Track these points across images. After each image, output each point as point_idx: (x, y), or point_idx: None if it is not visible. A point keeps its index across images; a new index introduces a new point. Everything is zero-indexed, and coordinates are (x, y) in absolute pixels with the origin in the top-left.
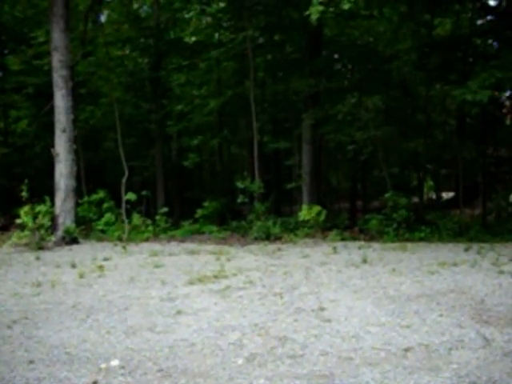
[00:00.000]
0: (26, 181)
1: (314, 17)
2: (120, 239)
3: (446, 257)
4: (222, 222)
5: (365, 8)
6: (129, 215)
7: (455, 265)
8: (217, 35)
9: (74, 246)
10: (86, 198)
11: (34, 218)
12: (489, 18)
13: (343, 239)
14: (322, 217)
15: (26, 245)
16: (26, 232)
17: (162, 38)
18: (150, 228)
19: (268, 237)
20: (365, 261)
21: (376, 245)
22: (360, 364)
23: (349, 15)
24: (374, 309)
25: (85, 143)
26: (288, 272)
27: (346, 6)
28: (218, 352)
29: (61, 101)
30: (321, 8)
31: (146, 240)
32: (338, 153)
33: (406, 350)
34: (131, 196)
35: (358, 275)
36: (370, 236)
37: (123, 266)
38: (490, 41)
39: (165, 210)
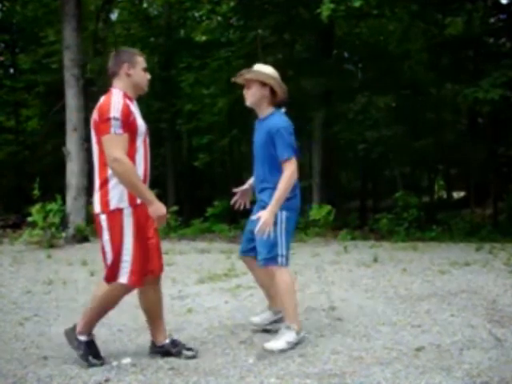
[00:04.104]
0: (38, 179)
1: (326, 13)
2: None
3: (458, 256)
4: (232, 220)
5: (376, 7)
6: None
7: (467, 264)
8: (227, 34)
9: (85, 244)
10: None
11: (45, 216)
12: (501, 16)
13: (354, 238)
14: (332, 216)
15: (38, 243)
16: (38, 230)
17: (172, 37)
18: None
19: None
20: (375, 260)
21: (387, 244)
22: (371, 363)
23: (360, 14)
24: (385, 308)
25: None
26: (299, 271)
27: (357, 4)
28: (229, 351)
29: (72, 99)
30: (332, 6)
31: None
32: (348, 152)
33: (418, 349)
34: None
35: (368, 274)
36: (381, 235)
37: None
38: (502, 40)
39: (175, 208)
